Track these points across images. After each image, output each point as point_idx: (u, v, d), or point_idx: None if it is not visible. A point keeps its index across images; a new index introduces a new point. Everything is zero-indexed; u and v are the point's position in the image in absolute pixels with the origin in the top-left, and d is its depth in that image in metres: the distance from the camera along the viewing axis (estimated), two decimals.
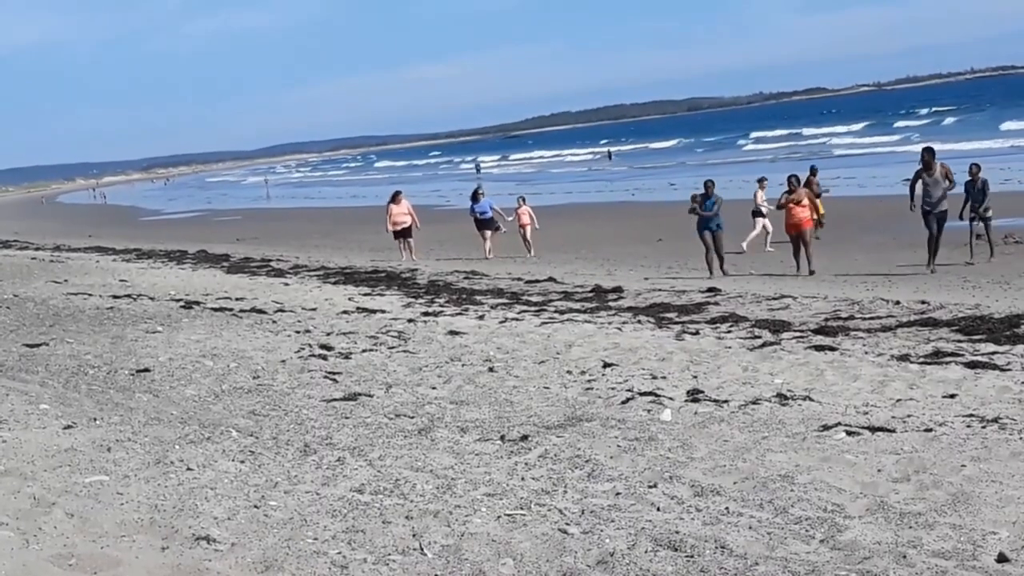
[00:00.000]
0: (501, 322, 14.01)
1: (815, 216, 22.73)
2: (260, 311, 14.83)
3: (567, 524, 5.57)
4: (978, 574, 4.99)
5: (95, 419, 7.20)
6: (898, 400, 8.85)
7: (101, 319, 13.24)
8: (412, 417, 8.32)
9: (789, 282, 17.76)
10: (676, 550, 5.19)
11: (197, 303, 15.56)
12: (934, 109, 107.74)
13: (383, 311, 15.29)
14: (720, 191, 20.55)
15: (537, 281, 18.96)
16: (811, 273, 18.59)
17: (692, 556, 5.12)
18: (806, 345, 11.50)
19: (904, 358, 10.52)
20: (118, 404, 8.07)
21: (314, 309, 15.37)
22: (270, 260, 26.05)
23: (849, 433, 7.58)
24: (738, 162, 68.30)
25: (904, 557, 5.15)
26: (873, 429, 7.70)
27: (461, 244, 28.24)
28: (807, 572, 4.98)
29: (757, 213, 23.45)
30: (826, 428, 7.77)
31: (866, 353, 10.91)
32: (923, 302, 13.89)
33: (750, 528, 5.56)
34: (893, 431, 7.66)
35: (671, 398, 9.08)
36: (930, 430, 7.70)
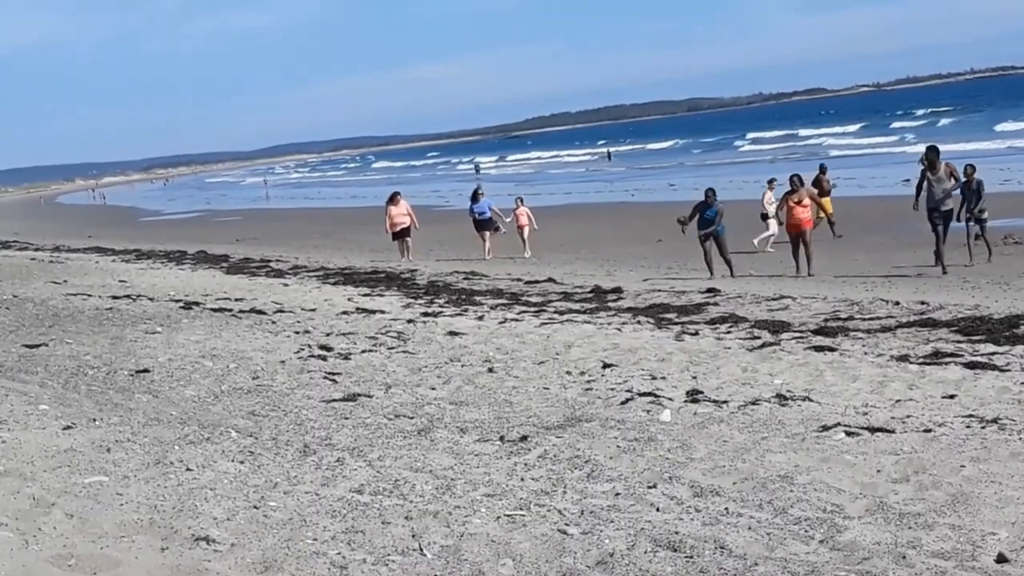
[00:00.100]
0: (501, 323, 14.01)
1: (822, 215, 22.72)
2: (259, 312, 14.83)
3: (566, 524, 5.57)
4: (977, 574, 4.99)
5: (94, 420, 7.20)
6: (897, 401, 8.85)
7: (100, 320, 13.24)
8: (411, 418, 8.32)
9: (789, 283, 17.77)
10: (676, 550, 5.20)
11: (196, 304, 15.56)
12: (931, 110, 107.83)
13: (382, 312, 15.30)
14: (720, 190, 20.52)
15: (537, 282, 18.96)
16: (809, 275, 18.59)
17: (692, 556, 5.12)
18: (806, 346, 11.50)
19: (904, 359, 10.52)
20: (117, 405, 8.07)
21: (313, 310, 15.37)
22: (269, 261, 26.04)
23: (848, 434, 7.59)
24: (736, 163, 68.38)
25: (903, 557, 5.15)
26: (872, 430, 7.71)
27: (461, 244, 28.24)
28: (806, 572, 4.98)
29: (766, 215, 23.41)
30: (825, 429, 7.78)
31: (865, 354, 10.92)
32: (923, 303, 13.89)
33: (749, 528, 5.56)
34: (892, 432, 7.67)
35: (670, 399, 9.08)
36: (929, 431, 7.70)
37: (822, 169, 26.48)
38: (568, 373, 10.51)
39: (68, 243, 37.18)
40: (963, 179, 18.42)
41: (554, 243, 26.97)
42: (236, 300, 16.42)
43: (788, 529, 5.57)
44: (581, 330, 13.17)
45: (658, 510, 5.85)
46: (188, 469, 6.18)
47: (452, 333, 13.03)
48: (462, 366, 10.91)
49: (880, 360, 10.55)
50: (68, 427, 6.83)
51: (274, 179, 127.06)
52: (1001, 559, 5.13)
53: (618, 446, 7.17)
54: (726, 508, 5.88)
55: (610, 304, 15.68)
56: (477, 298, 16.87)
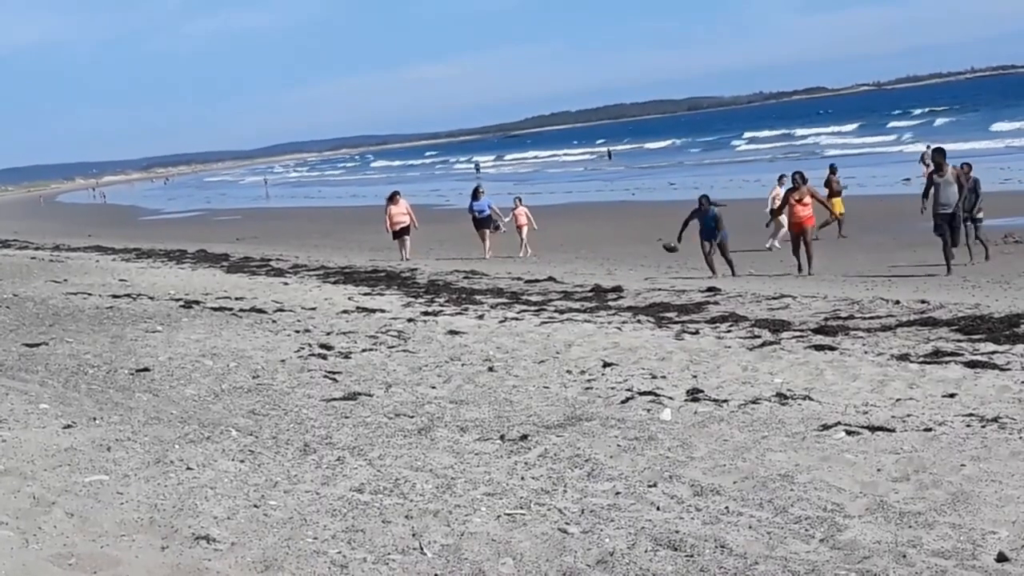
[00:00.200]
0: (501, 322, 14.01)
1: (834, 215, 22.66)
2: (260, 311, 14.83)
3: (567, 524, 5.57)
4: (978, 573, 4.99)
5: (95, 418, 7.20)
6: (898, 400, 8.85)
7: (101, 319, 13.24)
8: (412, 416, 8.32)
9: (789, 282, 17.76)
10: (676, 549, 5.19)
11: (197, 303, 15.56)
12: (928, 109, 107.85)
13: (383, 311, 15.29)
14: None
15: (537, 281, 18.96)
16: (809, 274, 18.59)
17: (692, 556, 5.12)
18: (806, 345, 11.50)
19: (904, 358, 10.52)
20: (118, 403, 8.07)
21: (314, 308, 15.37)
22: (270, 260, 26.05)
23: (849, 432, 7.59)
24: (735, 162, 68.41)
25: (904, 556, 5.15)
26: (873, 428, 7.70)
27: (461, 244, 28.24)
28: (807, 572, 4.98)
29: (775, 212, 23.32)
30: (826, 428, 7.77)
31: (866, 353, 10.91)
32: (923, 301, 13.89)
33: (750, 527, 5.56)
34: (893, 431, 7.67)
35: (671, 397, 9.08)
36: (930, 429, 7.70)
37: (832, 169, 26.17)
38: (568, 372, 10.50)
39: (68, 242, 37.18)
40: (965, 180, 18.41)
41: (554, 242, 26.97)
42: (236, 299, 16.42)
43: (788, 528, 5.57)
44: (581, 329, 13.17)
45: (658, 509, 5.85)
46: (188, 468, 6.18)
47: (452, 332, 13.03)
48: (462, 365, 10.91)
49: (880, 359, 10.55)
50: (68, 426, 6.83)
51: (273, 178, 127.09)
52: (1001, 558, 5.12)
53: (618, 445, 7.17)
54: (726, 507, 5.88)
55: (610, 303, 15.68)
56: (477, 297, 16.87)
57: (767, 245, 23.07)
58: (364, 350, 11.70)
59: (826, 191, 23.88)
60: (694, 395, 9.19)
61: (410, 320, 14.18)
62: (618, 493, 6.12)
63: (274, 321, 13.80)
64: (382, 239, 27.79)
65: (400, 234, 26.52)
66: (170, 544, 4.93)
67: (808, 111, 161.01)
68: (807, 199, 19.41)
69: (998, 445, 7.12)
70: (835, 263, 19.69)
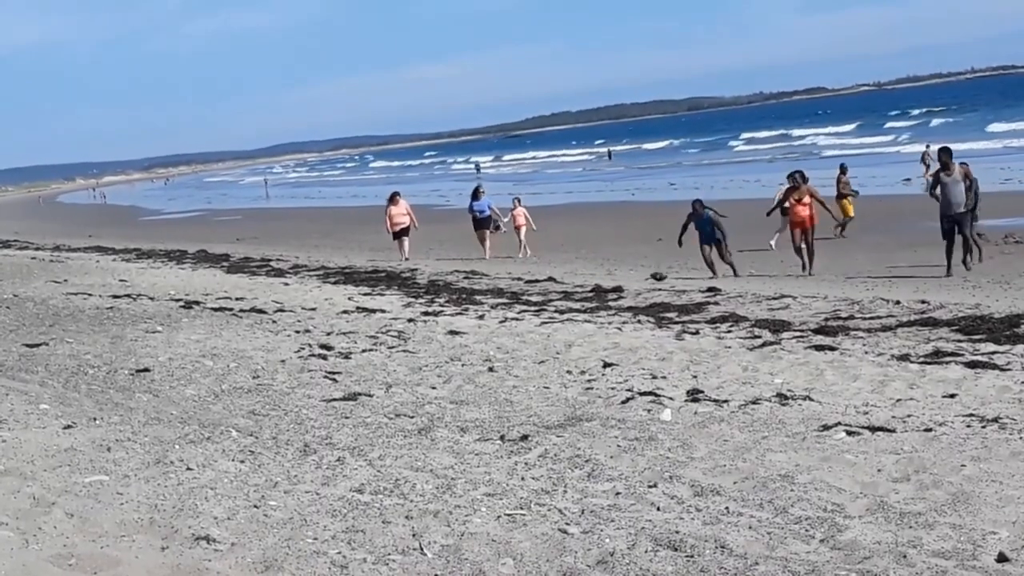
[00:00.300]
0: (501, 322, 14.01)
1: (846, 217, 22.59)
2: (260, 311, 14.83)
3: (567, 524, 5.57)
4: (978, 574, 4.99)
5: (95, 419, 7.20)
6: (898, 400, 8.85)
7: (101, 319, 13.24)
8: (412, 417, 8.32)
9: (789, 282, 17.76)
10: (676, 550, 5.19)
11: (197, 303, 15.56)
12: (926, 109, 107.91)
13: (383, 311, 15.29)
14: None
15: (537, 281, 18.96)
16: (810, 274, 18.60)
17: (692, 556, 5.12)
18: (806, 345, 11.50)
19: (904, 358, 10.52)
20: (118, 404, 8.07)
21: (314, 309, 15.37)
22: (270, 260, 26.05)
23: (849, 433, 7.59)
24: (733, 163, 68.43)
25: (904, 557, 5.15)
26: (873, 429, 7.70)
27: (461, 244, 28.24)
28: (807, 572, 4.98)
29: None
30: (826, 428, 7.77)
31: (866, 353, 10.91)
32: (923, 302, 13.89)
33: (750, 528, 5.56)
34: (893, 431, 7.66)
35: (671, 398, 9.08)
36: (930, 430, 7.70)
37: (843, 169, 25.90)
38: (568, 372, 10.51)
39: (68, 242, 37.18)
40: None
41: (554, 242, 26.97)
42: (236, 299, 16.42)
43: (789, 528, 5.57)
44: (581, 329, 13.17)
45: (659, 509, 5.85)
46: (188, 468, 6.18)
47: (452, 332, 13.03)
48: (462, 365, 10.91)
49: (881, 359, 10.55)
50: (68, 426, 6.83)
51: (273, 178, 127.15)
52: (1002, 558, 5.12)
53: (619, 445, 7.17)
54: (727, 507, 5.88)
55: (610, 303, 15.68)
56: (477, 297, 16.87)
57: (771, 243, 22.99)
58: (364, 350, 11.70)
59: (817, 189, 23.78)
60: (694, 395, 9.19)
61: (410, 320, 14.18)
62: (618, 493, 6.12)
63: (274, 321, 13.80)
64: (382, 239, 27.80)
65: (400, 234, 26.53)
66: (170, 544, 4.93)
67: (807, 111, 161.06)
68: (807, 199, 19.41)
69: (998, 445, 7.12)
70: (835, 263, 19.69)
